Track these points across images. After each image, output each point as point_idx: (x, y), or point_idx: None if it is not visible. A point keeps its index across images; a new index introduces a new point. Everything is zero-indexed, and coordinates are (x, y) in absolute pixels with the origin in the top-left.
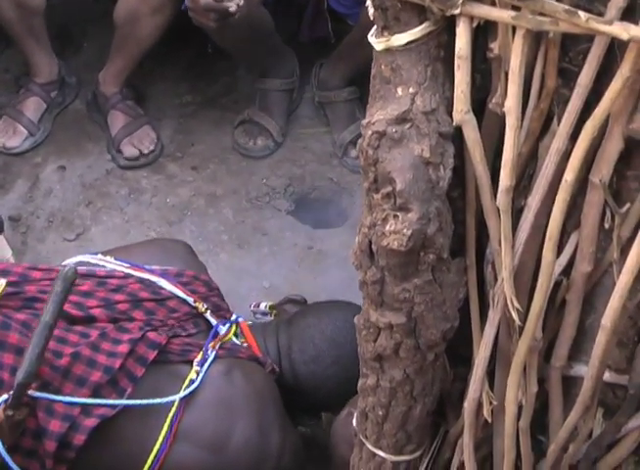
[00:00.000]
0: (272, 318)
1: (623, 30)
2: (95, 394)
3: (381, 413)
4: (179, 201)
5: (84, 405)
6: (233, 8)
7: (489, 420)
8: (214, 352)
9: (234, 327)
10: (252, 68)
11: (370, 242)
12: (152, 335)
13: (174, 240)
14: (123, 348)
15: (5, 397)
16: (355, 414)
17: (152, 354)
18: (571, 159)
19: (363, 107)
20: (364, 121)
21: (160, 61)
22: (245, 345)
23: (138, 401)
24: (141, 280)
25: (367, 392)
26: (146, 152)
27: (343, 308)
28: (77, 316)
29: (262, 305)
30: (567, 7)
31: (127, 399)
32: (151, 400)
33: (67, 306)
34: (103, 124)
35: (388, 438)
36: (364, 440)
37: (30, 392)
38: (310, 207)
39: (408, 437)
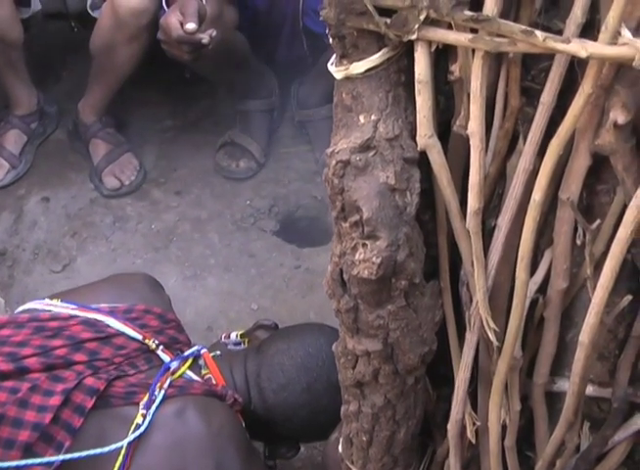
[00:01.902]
0: (244, 347)
1: (581, 48)
2: (27, 454)
3: (365, 439)
4: (164, 226)
5: (17, 468)
6: (206, 40)
7: (473, 441)
8: (163, 392)
9: (189, 361)
10: (232, 90)
11: (341, 270)
12: (89, 381)
13: (133, 274)
14: (55, 400)
15: None
16: (340, 440)
17: (89, 402)
18: (539, 177)
19: None
20: (328, 151)
21: (138, 86)
22: (207, 377)
23: (77, 454)
24: (85, 320)
25: (350, 418)
26: (127, 183)
27: (315, 332)
28: (7, 371)
29: (233, 335)
30: (523, 27)
31: (66, 452)
32: (92, 451)
33: None
34: (85, 153)
35: (374, 462)
36: (350, 465)
37: None
38: (296, 226)
39: (394, 460)
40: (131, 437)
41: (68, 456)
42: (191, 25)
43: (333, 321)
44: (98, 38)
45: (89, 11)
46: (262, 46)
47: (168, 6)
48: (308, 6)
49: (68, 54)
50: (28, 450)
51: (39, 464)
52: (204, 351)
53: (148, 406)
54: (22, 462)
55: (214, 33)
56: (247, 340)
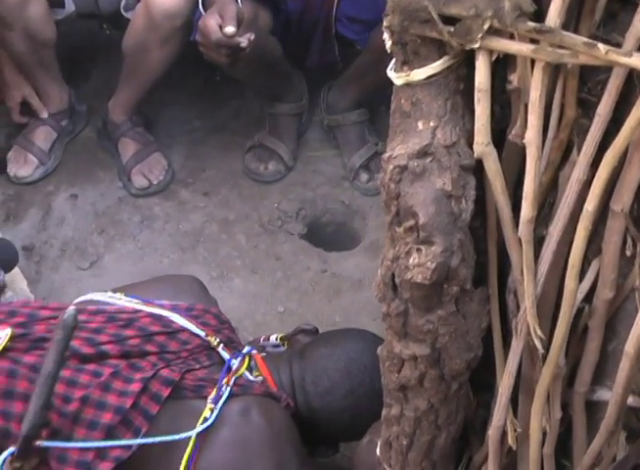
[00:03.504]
0: (285, 349)
1: None
2: (109, 435)
3: (405, 443)
4: (192, 227)
5: (99, 449)
6: (244, 43)
7: (514, 447)
8: (229, 389)
9: (247, 360)
10: (262, 93)
11: (393, 275)
12: (165, 372)
13: (184, 275)
14: (136, 386)
15: (12, 449)
16: (379, 443)
17: (166, 391)
18: (592, 188)
19: (372, 129)
20: (385, 156)
21: (168, 86)
22: (259, 379)
23: (151, 439)
24: (151, 314)
25: (391, 421)
26: (155, 182)
27: (356, 338)
28: (89, 354)
29: (273, 338)
30: (586, 40)
31: (143, 437)
32: (166, 437)
33: (78, 344)
34: (113, 152)
35: (412, 467)
36: (388, 469)
37: (40, 442)
38: (323, 230)
39: (433, 465)
40: (200, 428)
41: (145, 440)
42: (230, 29)
43: (358, 325)
44: (131, 39)
45: (122, 12)
46: (294, 50)
47: (205, 9)
48: (341, 12)
49: (98, 53)
50: (110, 432)
51: (119, 446)
52: (254, 351)
53: (216, 401)
54: (105, 443)
55: (252, 37)
56: (286, 342)
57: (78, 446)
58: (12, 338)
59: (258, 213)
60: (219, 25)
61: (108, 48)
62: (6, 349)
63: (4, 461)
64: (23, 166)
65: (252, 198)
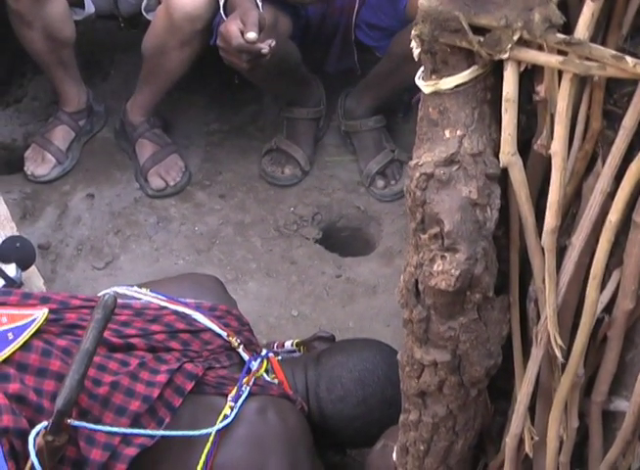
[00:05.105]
0: (301, 354)
1: None
2: (135, 423)
3: (422, 448)
4: (207, 229)
5: (125, 435)
6: (265, 49)
7: (531, 455)
8: (248, 389)
9: (265, 362)
10: (280, 97)
11: (416, 281)
12: (189, 366)
13: (206, 275)
14: (161, 378)
15: (45, 423)
16: (395, 448)
17: (189, 385)
18: (616, 200)
19: (389, 135)
20: (411, 163)
21: (186, 89)
22: (275, 381)
23: (174, 433)
24: (176, 312)
25: (409, 427)
26: (172, 183)
27: (373, 348)
28: (117, 344)
29: (288, 344)
30: (614, 52)
31: (166, 428)
32: (188, 432)
33: (107, 334)
34: (131, 153)
35: None
36: None
37: (71, 421)
38: (338, 235)
39: None
40: (220, 425)
41: (168, 433)
42: (252, 35)
43: (371, 331)
44: (150, 41)
45: (143, 13)
46: (312, 56)
47: (226, 14)
48: (361, 19)
49: (117, 53)
50: (136, 420)
51: (143, 435)
52: (271, 354)
53: (235, 400)
54: (132, 431)
55: (274, 43)
56: (302, 348)
57: (106, 430)
58: (46, 320)
59: (274, 217)
60: (241, 31)
61: (126, 48)
62: (40, 330)
63: (37, 433)
64: (41, 165)
65: (268, 201)
